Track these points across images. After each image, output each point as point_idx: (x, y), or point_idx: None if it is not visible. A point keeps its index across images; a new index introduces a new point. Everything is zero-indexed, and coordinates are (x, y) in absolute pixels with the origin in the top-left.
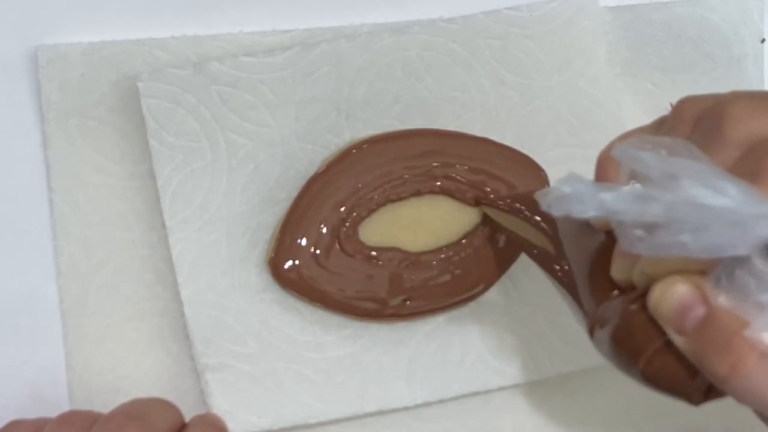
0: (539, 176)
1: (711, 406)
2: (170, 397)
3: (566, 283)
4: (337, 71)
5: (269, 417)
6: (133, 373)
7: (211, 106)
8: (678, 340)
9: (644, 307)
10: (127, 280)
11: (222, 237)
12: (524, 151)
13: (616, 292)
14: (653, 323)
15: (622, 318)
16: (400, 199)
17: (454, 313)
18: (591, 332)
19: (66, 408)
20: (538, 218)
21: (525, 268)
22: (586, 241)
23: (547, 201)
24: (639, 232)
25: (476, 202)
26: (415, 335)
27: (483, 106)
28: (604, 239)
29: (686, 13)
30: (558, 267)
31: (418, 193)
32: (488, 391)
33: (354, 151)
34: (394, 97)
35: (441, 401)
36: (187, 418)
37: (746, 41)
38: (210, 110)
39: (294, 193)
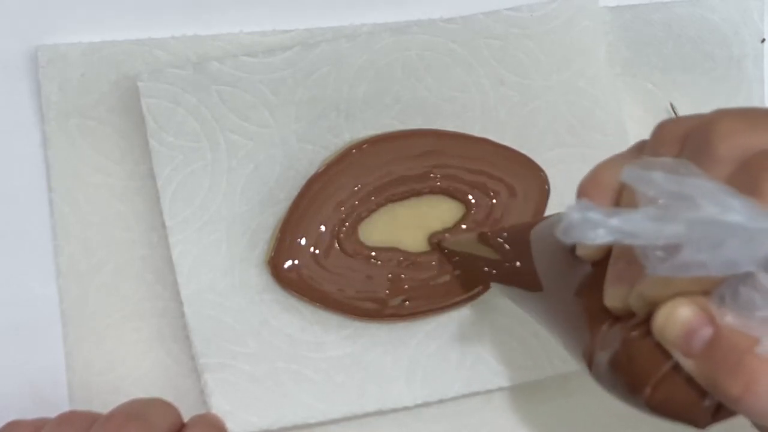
0: (539, 176)
1: None
2: (170, 397)
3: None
4: (336, 71)
5: (269, 417)
6: (133, 373)
7: (211, 106)
8: (686, 364)
9: (646, 333)
10: (127, 280)
11: (222, 237)
12: (524, 151)
13: (610, 321)
14: (657, 349)
15: (624, 346)
16: (400, 199)
17: (454, 313)
18: (589, 364)
19: (66, 408)
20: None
21: None
22: (572, 275)
23: (558, 230)
24: (660, 254)
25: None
26: (415, 335)
27: (483, 106)
28: (591, 270)
29: (686, 13)
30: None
31: (418, 193)
32: (488, 392)
33: (354, 151)
34: (393, 97)
35: (441, 401)
36: (187, 418)
37: (746, 41)
38: (210, 110)
39: (294, 194)
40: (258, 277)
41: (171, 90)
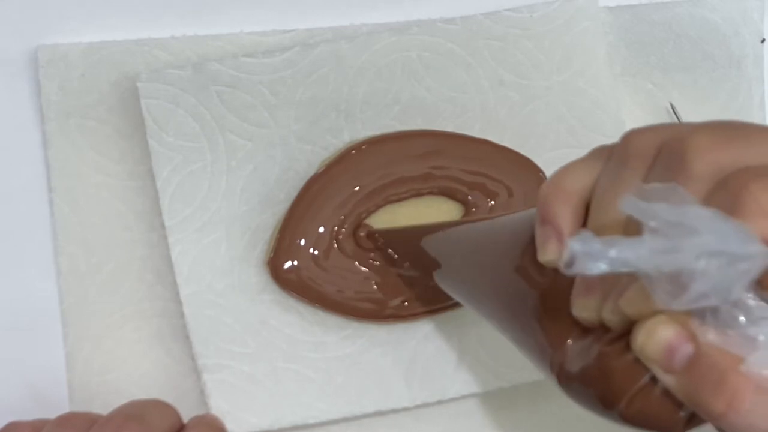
0: (538, 178)
1: None
2: (170, 397)
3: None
4: (336, 72)
5: (268, 417)
6: (133, 373)
7: (211, 106)
8: (666, 380)
9: (623, 348)
10: (127, 280)
11: (221, 237)
12: (523, 151)
13: (577, 331)
14: (634, 363)
15: (598, 360)
16: (400, 199)
17: (453, 314)
18: (558, 375)
19: (66, 408)
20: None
21: None
22: (531, 282)
23: (561, 262)
24: (668, 287)
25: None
26: (414, 336)
27: (482, 107)
28: (554, 278)
29: (686, 13)
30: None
31: (417, 194)
32: (487, 393)
33: (353, 152)
34: (393, 97)
35: (440, 402)
36: (188, 418)
37: (746, 41)
38: (209, 111)
39: (293, 194)
40: (257, 278)
41: (170, 90)
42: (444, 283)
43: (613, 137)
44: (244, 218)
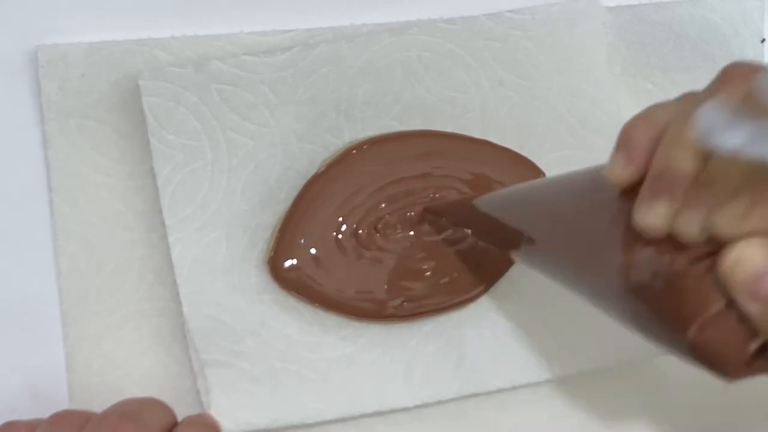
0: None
1: (709, 412)
2: (169, 396)
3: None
4: (336, 72)
5: (267, 416)
6: (133, 373)
7: (212, 105)
8: (750, 307)
9: (707, 268)
10: (127, 280)
11: (222, 237)
12: (524, 152)
13: (645, 242)
14: (711, 287)
15: (675, 277)
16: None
17: (453, 314)
18: (626, 280)
19: (65, 408)
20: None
21: (524, 271)
22: (596, 205)
23: (694, 132)
24: None
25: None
26: (414, 336)
27: (482, 107)
28: (618, 203)
29: (686, 13)
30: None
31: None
32: (487, 393)
33: (354, 151)
34: (393, 97)
35: (439, 402)
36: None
37: (746, 41)
38: (210, 109)
39: (294, 194)
40: (257, 278)
41: (172, 88)
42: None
43: (612, 137)
44: (244, 217)
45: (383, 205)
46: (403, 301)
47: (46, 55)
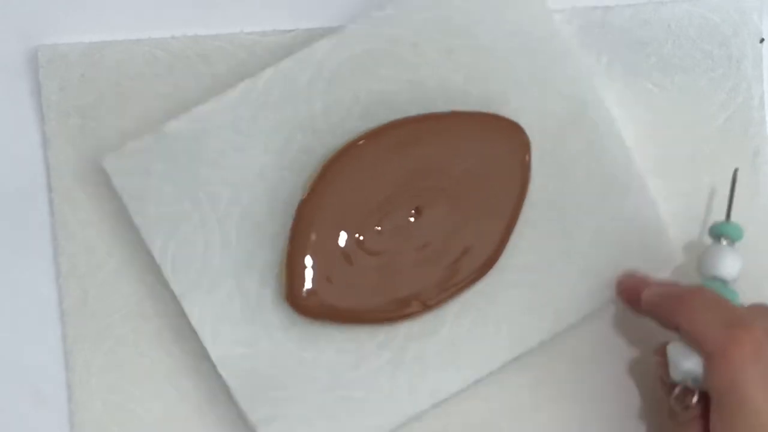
0: (520, 134)
1: None
2: (170, 397)
3: None
4: (287, 92)
5: None
6: (132, 374)
7: (181, 166)
8: None
9: None
10: (127, 280)
11: (233, 290)
12: (491, 110)
13: None
14: None
15: None
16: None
17: (475, 288)
18: None
19: (66, 408)
20: None
21: (532, 222)
22: None
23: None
24: None
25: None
26: (444, 322)
27: (439, 80)
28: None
29: (686, 13)
30: None
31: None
32: (488, 395)
33: (332, 166)
34: (351, 99)
35: (438, 403)
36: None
37: (745, 41)
38: (180, 171)
39: (287, 222)
40: (277, 317)
41: (137, 163)
42: None
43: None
44: (248, 263)
45: (377, 207)
46: (423, 292)
47: (46, 55)
